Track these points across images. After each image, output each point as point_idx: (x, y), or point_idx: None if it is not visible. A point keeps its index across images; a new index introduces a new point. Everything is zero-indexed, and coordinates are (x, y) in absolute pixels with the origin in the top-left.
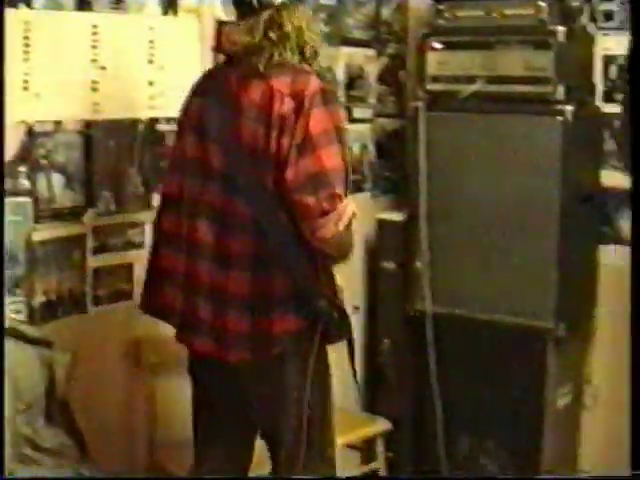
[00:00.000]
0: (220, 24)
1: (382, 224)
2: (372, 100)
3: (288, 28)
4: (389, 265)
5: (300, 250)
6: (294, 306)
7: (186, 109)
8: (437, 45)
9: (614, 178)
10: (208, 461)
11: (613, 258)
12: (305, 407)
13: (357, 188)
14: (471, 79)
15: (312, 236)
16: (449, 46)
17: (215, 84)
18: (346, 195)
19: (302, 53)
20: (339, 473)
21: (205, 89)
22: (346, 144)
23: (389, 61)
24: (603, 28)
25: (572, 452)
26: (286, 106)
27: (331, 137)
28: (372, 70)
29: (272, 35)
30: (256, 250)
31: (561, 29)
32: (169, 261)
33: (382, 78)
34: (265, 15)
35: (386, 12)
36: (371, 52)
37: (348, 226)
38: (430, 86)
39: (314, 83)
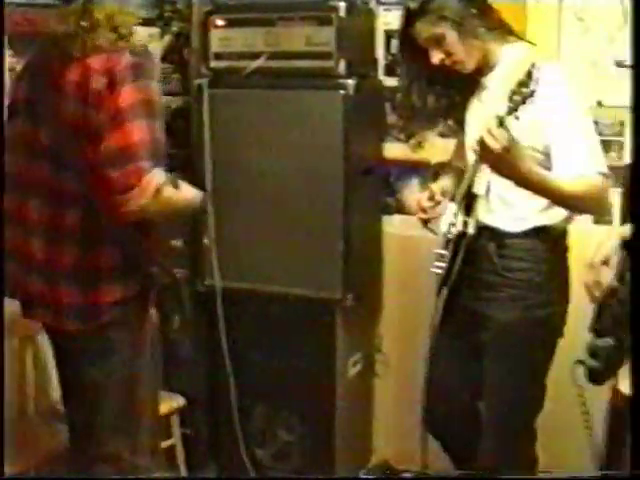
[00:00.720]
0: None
1: None
2: None
3: (99, 16)
4: (176, 242)
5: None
6: (122, 277)
7: (14, 94)
8: (220, 22)
9: (396, 150)
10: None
11: (397, 228)
12: (136, 374)
13: None
14: (254, 55)
15: (116, 212)
16: (232, 23)
17: (39, 68)
18: (161, 167)
19: (117, 32)
20: None
21: (30, 73)
22: (160, 118)
23: (173, 39)
24: (384, 3)
25: (366, 419)
26: (100, 82)
27: (139, 111)
28: (156, 48)
29: (84, 23)
30: (84, 224)
31: (342, 4)
32: (11, 241)
33: (166, 56)
34: (77, 4)
35: None
36: (155, 30)
37: (160, 196)
38: (214, 63)
39: (125, 59)
